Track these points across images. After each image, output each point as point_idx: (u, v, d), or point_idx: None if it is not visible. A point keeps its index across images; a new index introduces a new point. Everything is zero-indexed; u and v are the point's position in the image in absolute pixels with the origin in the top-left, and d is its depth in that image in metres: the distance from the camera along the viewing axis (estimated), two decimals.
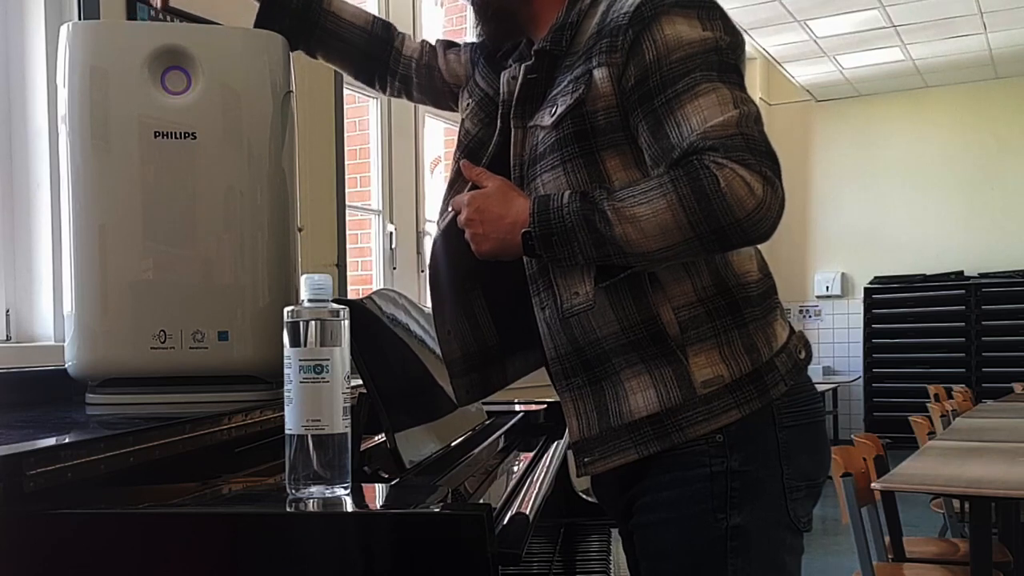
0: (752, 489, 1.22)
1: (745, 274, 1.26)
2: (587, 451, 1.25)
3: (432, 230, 4.87)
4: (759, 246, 1.26)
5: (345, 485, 0.91)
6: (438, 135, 5.33)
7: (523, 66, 1.30)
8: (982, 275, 8.36)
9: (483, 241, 1.24)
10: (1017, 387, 6.57)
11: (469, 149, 1.40)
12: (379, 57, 1.59)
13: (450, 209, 1.32)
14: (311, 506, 0.89)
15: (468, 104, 1.45)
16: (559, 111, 1.24)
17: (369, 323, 1.23)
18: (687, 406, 1.21)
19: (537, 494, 1.18)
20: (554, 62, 1.28)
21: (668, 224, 1.14)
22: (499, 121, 1.36)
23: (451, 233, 1.32)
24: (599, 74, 1.21)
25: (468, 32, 5.26)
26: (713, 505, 1.21)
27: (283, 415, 0.91)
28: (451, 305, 1.36)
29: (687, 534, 1.23)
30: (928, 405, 4.81)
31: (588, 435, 1.25)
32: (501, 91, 1.37)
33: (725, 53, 1.19)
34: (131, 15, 2.83)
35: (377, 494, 0.98)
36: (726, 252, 1.22)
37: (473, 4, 1.37)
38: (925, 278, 8.54)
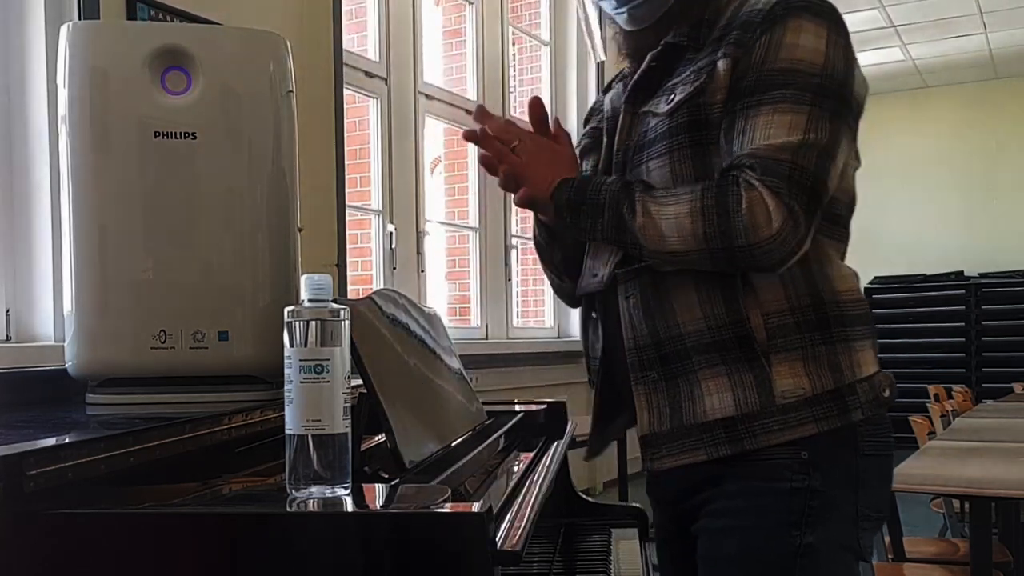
0: (828, 510, 1.21)
1: (844, 292, 1.24)
2: (655, 446, 1.25)
3: (432, 229, 4.89)
4: None
5: (345, 485, 0.91)
6: (438, 135, 5.34)
7: (649, 54, 1.30)
8: (982, 275, 8.36)
9: (524, 179, 1.26)
10: (1017, 387, 6.58)
11: None
12: None
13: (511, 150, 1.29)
14: (311, 506, 0.89)
15: (579, 149, 1.45)
16: (677, 99, 1.23)
17: (369, 323, 1.23)
18: (764, 413, 1.19)
19: (537, 494, 1.17)
20: (678, 54, 1.27)
21: (685, 230, 1.15)
22: (604, 136, 1.36)
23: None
24: (722, 65, 1.20)
25: (466, 32, 5.26)
26: (789, 520, 1.20)
27: (283, 415, 0.91)
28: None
29: (759, 544, 1.22)
30: (928, 405, 4.81)
31: (658, 430, 1.25)
32: (605, 110, 1.38)
33: (830, 78, 1.17)
34: (131, 15, 2.83)
35: (377, 494, 0.98)
36: (735, 272, 1.20)
37: (634, 20, 1.32)
38: (925, 278, 8.54)
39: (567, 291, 1.47)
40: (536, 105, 1.34)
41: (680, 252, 1.16)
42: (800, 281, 1.21)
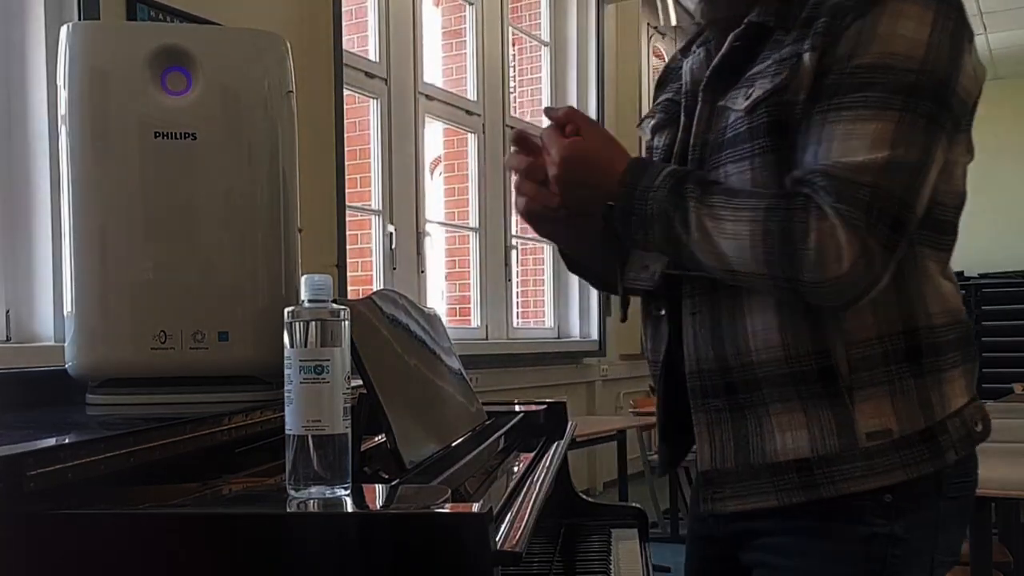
0: (908, 559, 1.09)
1: (939, 314, 1.10)
2: (718, 485, 1.13)
3: (432, 230, 4.89)
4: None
5: (345, 486, 0.91)
6: (438, 135, 5.34)
7: (731, 34, 1.13)
8: (982, 275, 8.36)
9: (570, 189, 1.12)
10: (1017, 387, 6.57)
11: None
12: None
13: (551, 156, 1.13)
14: (311, 507, 0.89)
15: (652, 122, 1.30)
16: (755, 95, 1.07)
17: (369, 323, 1.23)
18: (844, 458, 1.06)
19: (537, 495, 1.17)
20: (764, 35, 1.11)
21: (744, 252, 1.02)
22: (682, 115, 1.21)
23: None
24: (808, 59, 1.04)
25: (466, 33, 5.27)
26: (867, 568, 1.09)
27: (283, 416, 0.91)
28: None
29: None
30: None
31: (721, 467, 1.12)
32: (683, 81, 1.22)
33: (930, 75, 1.01)
34: (131, 15, 2.84)
35: (377, 494, 0.98)
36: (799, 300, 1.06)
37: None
38: None
39: (612, 289, 1.32)
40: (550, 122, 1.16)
41: (742, 273, 1.04)
42: (893, 304, 1.07)
